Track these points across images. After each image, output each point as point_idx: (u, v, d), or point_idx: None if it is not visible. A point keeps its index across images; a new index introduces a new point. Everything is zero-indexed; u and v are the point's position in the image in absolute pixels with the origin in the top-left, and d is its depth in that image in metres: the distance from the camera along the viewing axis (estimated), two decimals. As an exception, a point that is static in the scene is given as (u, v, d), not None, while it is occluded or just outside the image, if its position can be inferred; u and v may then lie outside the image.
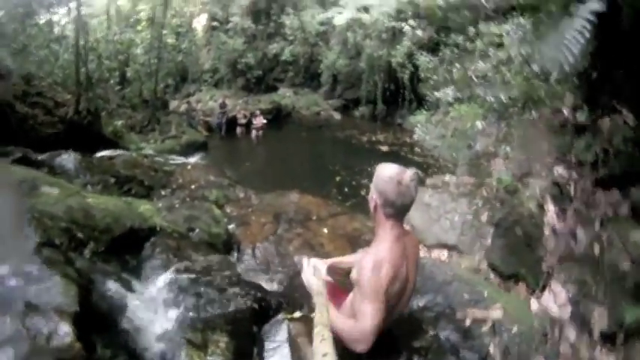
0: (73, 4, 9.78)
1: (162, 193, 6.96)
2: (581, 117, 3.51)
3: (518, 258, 3.91)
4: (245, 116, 17.85)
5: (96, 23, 16.37)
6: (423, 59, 13.31)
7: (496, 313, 2.92)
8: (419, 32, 13.55)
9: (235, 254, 4.33)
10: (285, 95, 21.59)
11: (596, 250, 3.05)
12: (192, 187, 6.93)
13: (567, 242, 3.38)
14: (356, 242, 5.04)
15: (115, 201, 3.56)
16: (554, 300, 3.17)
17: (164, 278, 2.61)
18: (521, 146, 4.63)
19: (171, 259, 2.84)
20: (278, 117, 19.77)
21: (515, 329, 2.83)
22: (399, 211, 2.04)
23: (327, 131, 18.10)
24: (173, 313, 2.34)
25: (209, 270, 2.80)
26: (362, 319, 1.91)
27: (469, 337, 2.73)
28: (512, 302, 3.23)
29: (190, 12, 23.62)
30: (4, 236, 2.58)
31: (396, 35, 15.60)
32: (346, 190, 10.41)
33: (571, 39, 2.58)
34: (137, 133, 13.27)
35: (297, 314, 2.65)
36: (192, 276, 2.62)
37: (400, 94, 16.94)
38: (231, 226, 5.14)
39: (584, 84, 3.46)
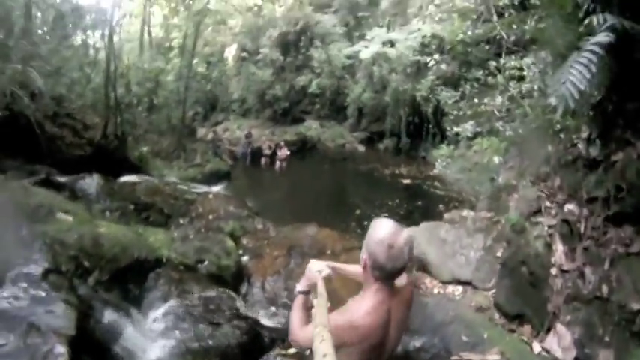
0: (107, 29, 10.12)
1: (181, 221, 7.05)
2: (594, 152, 3.49)
3: (524, 298, 3.81)
4: (270, 147, 18.05)
5: (129, 49, 16.92)
6: (445, 94, 13.31)
7: (493, 357, 2.82)
8: (443, 66, 13.59)
9: (245, 286, 4.35)
10: (311, 127, 21.81)
11: (605, 290, 3.00)
12: (211, 217, 7.01)
13: (575, 282, 3.32)
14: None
15: (125, 231, 3.63)
16: (559, 342, 3.10)
17: (163, 309, 2.64)
18: (532, 183, 4.53)
19: (172, 291, 2.87)
20: (303, 148, 19.96)
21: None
22: (387, 275, 1.89)
23: (351, 164, 18.14)
24: (166, 343, 2.37)
25: (208, 303, 2.81)
26: (307, 331, 1.88)
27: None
28: (512, 345, 3.13)
29: (222, 42, 24.29)
30: (16, 259, 2.67)
31: (420, 69, 15.68)
32: (365, 223, 10.32)
33: (576, 73, 2.57)
34: (162, 159, 13.55)
35: (292, 350, 2.63)
36: (190, 309, 2.64)
37: (424, 127, 16.94)
38: (244, 258, 5.19)
39: (598, 116, 3.44)
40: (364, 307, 1.91)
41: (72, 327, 2.20)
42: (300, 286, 2.20)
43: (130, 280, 2.93)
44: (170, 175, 11.89)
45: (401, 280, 1.99)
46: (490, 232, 6.17)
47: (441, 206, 11.02)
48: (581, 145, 3.70)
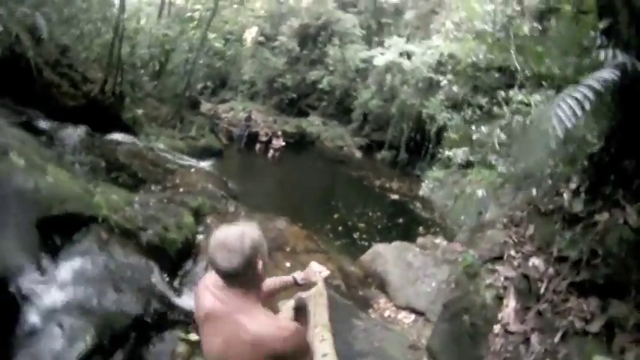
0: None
1: (152, 188, 6.96)
2: (578, 206, 3.15)
3: (459, 350, 3.37)
4: (267, 134, 17.95)
5: (148, 12, 16.78)
6: (445, 115, 13.27)
7: None
8: (454, 88, 13.51)
9: (189, 264, 4.26)
10: (313, 123, 21.76)
11: None
12: (181, 189, 6.91)
13: (517, 348, 2.91)
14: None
15: (74, 184, 3.54)
16: None
17: (75, 264, 2.60)
18: (504, 226, 4.20)
19: (93, 249, 2.81)
20: (301, 142, 19.87)
21: None
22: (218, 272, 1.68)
23: (345, 167, 18.06)
24: (63, 296, 2.35)
25: (124, 270, 2.76)
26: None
27: None
28: None
29: (243, 23, 24.18)
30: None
31: (432, 86, 15.60)
32: (340, 228, 10.28)
33: (566, 109, 2.28)
34: (158, 126, 13.43)
35: (193, 337, 2.58)
36: (102, 270, 2.61)
37: (424, 146, 16.83)
38: (201, 237, 5.07)
39: (591, 169, 3.16)
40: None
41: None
42: (299, 277, 2.30)
43: (56, 230, 2.85)
44: (160, 142, 11.75)
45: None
46: (457, 267, 6.06)
47: (421, 229, 10.95)
48: (566, 196, 3.33)
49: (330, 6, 21.13)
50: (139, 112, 11.60)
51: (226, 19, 19.85)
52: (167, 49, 14.94)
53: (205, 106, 21.77)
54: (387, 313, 5.96)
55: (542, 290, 3.04)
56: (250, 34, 24.64)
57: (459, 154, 10.12)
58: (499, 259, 3.57)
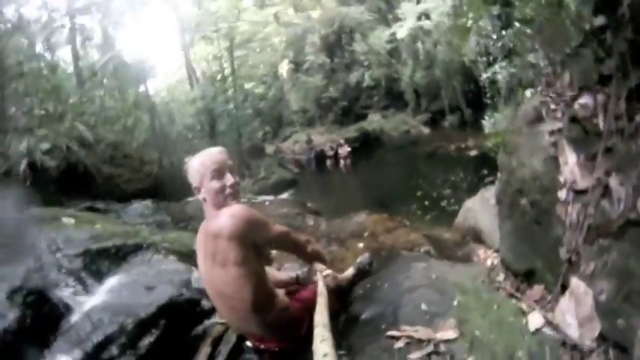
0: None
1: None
2: (601, 20, 2.32)
3: (531, 245, 2.50)
4: (332, 148, 18.12)
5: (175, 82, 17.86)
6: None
7: (446, 333, 2.03)
8: (481, 23, 12.87)
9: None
10: (372, 121, 21.63)
11: None
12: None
13: (598, 204, 2.09)
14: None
15: (123, 227, 3.84)
16: (575, 311, 1.91)
17: (114, 279, 2.84)
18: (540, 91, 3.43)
19: (133, 265, 3.05)
20: (367, 143, 19.70)
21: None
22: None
23: (416, 148, 17.71)
24: (96, 301, 2.63)
25: (159, 273, 2.95)
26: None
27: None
28: (498, 317, 2.11)
29: (273, 61, 24.93)
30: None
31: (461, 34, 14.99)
32: (426, 203, 10.02)
33: None
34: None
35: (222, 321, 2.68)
36: (142, 277, 2.81)
37: (484, 94, 16.06)
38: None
39: None
40: None
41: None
42: (301, 275, 2.58)
43: (102, 258, 3.15)
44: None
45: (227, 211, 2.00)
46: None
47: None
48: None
49: (334, 6, 21.20)
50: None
51: (254, 64, 20.57)
52: (209, 110, 15.74)
53: (270, 149, 22.48)
54: (488, 262, 5.60)
55: (600, 124, 2.29)
56: (284, 68, 25.29)
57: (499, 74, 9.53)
58: (538, 120, 2.82)
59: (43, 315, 2.48)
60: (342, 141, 17.96)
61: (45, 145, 6.10)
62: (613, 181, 2.08)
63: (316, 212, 8.70)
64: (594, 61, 2.90)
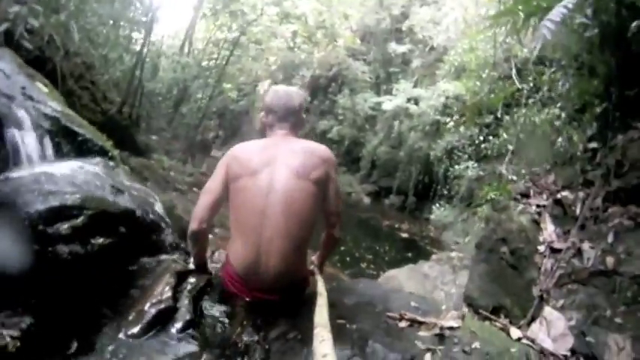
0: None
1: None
2: (593, 144, 3.39)
3: (502, 285, 3.20)
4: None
5: (169, 45, 17.51)
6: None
7: (450, 322, 2.15)
8: (461, 129, 13.75)
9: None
10: (321, 171, 21.75)
11: (611, 262, 2.60)
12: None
13: (569, 261, 2.87)
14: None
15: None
16: (548, 331, 2.56)
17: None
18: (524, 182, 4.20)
19: (99, 164, 2.98)
20: (310, 192, 19.75)
21: (476, 345, 2.00)
22: (276, 115, 2.49)
23: (352, 210, 18.03)
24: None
25: (125, 185, 2.88)
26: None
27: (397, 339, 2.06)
28: (484, 328, 2.31)
29: (257, 76, 25.06)
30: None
31: (439, 129, 15.84)
32: (348, 259, 10.23)
33: (550, 24, 2.66)
34: (170, 158, 13.71)
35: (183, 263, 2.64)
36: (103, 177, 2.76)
37: (433, 188, 16.83)
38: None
39: (600, 117, 3.36)
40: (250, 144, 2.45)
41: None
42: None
43: (69, 141, 3.05)
44: (171, 171, 11.96)
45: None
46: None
47: (434, 255, 10.82)
48: (581, 146, 3.59)
49: (342, 55, 21.86)
50: (153, 138, 11.87)
51: (242, 70, 20.59)
52: (184, 87, 15.47)
53: (217, 153, 22.14)
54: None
55: (577, 211, 3.08)
56: (263, 87, 25.41)
57: (470, 166, 10.15)
58: (525, 196, 3.62)
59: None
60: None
61: (33, 22, 5.69)
62: (585, 245, 2.80)
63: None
64: (580, 171, 3.51)
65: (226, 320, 2.26)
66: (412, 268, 7.58)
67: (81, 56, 8.75)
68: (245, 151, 2.31)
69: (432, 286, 6.67)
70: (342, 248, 11.13)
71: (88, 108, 8.90)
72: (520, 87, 7.97)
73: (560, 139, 4.02)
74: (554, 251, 2.95)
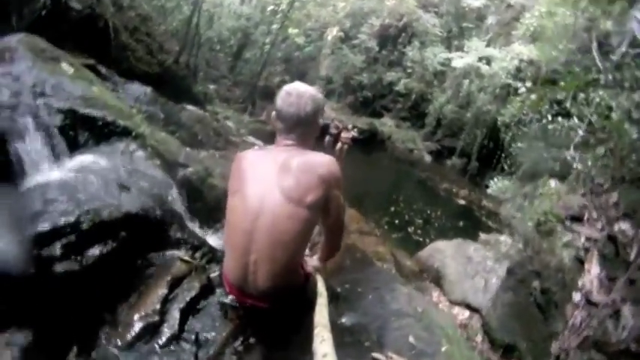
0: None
1: (210, 152, 7.01)
2: None
3: (523, 325, 2.77)
4: (337, 127, 17.81)
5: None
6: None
7: None
8: (533, 96, 12.76)
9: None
10: (385, 123, 21.38)
11: None
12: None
13: (603, 321, 2.36)
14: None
15: (119, 104, 3.56)
16: None
17: (87, 158, 2.60)
18: (582, 195, 3.67)
19: (114, 151, 2.80)
20: (371, 141, 19.52)
21: None
22: (285, 121, 2.10)
23: (411, 168, 17.68)
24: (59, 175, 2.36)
25: (137, 176, 2.70)
26: None
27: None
28: None
29: (325, 22, 24.39)
30: None
31: (510, 94, 14.86)
32: (396, 221, 9.97)
33: None
34: (230, 107, 13.78)
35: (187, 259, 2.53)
36: (118, 166, 2.56)
37: (497, 155, 16.03)
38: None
39: None
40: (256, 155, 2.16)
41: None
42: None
43: (87, 131, 2.88)
44: (229, 121, 12.01)
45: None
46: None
47: (482, 235, 10.45)
48: None
49: (412, 6, 20.72)
50: (211, 87, 11.90)
51: (309, 15, 20.03)
52: (246, 34, 15.27)
53: (280, 98, 22.09)
54: (439, 307, 5.57)
55: (632, 256, 2.55)
56: (331, 33, 24.76)
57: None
58: (578, 220, 3.18)
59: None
60: (350, 126, 17.66)
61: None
62: (626, 309, 2.24)
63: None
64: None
65: (213, 334, 2.23)
66: (459, 245, 7.26)
67: (135, 9, 8.67)
68: (248, 163, 2.16)
69: (474, 271, 6.36)
70: (392, 209, 10.98)
71: (143, 61, 8.91)
72: (600, 66, 7.07)
73: (635, 135, 3.38)
74: (590, 304, 2.48)
